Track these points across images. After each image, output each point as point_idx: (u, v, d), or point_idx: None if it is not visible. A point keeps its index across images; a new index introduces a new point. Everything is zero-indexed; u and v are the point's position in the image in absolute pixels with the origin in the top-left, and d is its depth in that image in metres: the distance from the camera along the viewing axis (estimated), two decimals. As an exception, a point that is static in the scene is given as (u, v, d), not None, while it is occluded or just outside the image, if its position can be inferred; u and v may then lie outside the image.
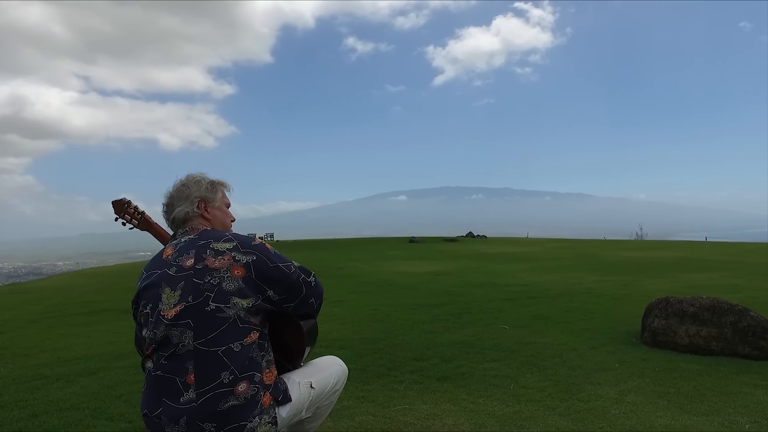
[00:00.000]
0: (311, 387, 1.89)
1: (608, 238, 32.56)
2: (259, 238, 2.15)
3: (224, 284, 1.70)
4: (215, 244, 1.77)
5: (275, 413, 1.71)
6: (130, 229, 2.24)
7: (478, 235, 35.59)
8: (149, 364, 1.72)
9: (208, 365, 1.64)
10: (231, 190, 2.07)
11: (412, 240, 28.80)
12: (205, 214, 1.93)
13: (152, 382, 1.70)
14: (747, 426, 2.74)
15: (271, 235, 41.32)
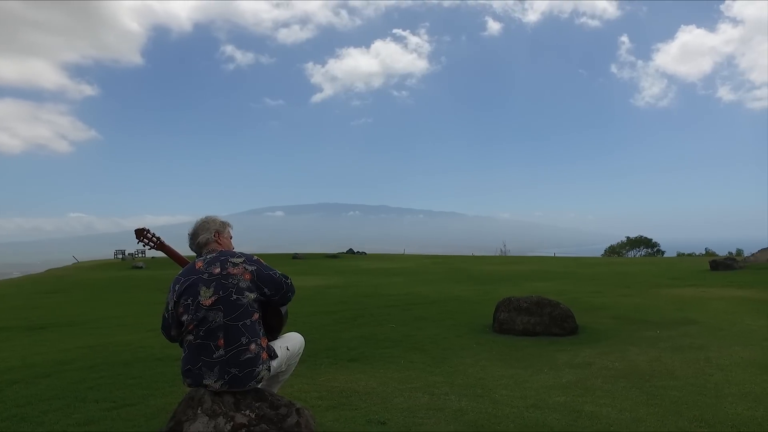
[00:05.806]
0: (287, 349, 2.99)
1: (477, 254, 36.18)
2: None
3: (240, 284, 2.75)
4: (232, 259, 2.81)
5: (269, 364, 2.79)
6: (149, 249, 3.15)
7: (358, 252, 37.35)
8: (189, 337, 2.69)
9: (233, 333, 2.67)
10: (232, 228, 3.11)
11: (295, 257, 29.55)
12: (218, 240, 2.96)
13: (193, 347, 2.68)
14: (545, 370, 4.46)
15: (123, 253, 32.77)
